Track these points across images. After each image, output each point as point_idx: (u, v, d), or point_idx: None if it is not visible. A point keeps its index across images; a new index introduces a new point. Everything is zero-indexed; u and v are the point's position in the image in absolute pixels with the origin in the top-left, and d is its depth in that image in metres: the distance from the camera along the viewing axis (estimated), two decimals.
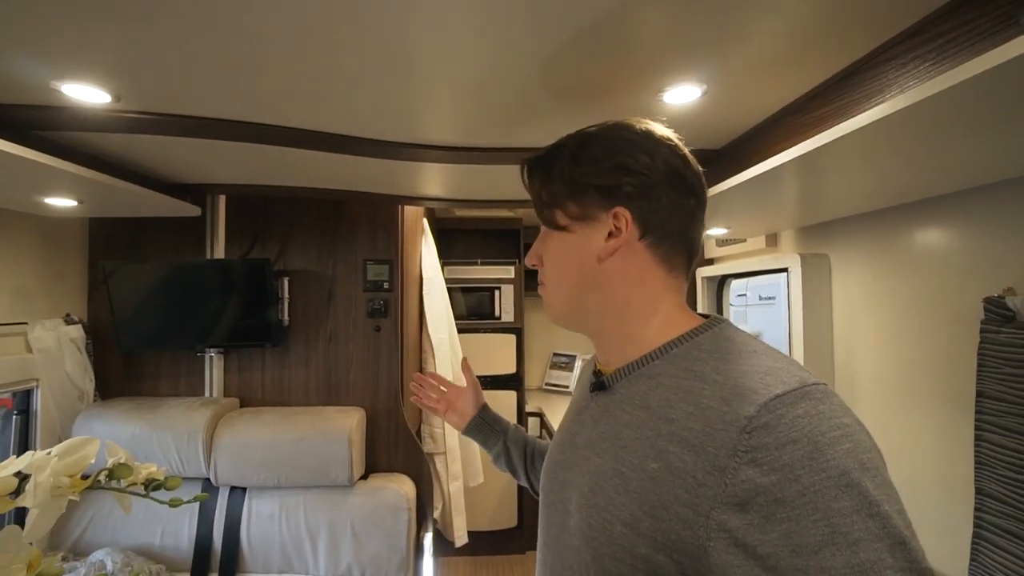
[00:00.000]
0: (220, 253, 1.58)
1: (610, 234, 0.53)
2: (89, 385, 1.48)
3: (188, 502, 0.57)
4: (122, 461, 0.53)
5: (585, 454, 0.54)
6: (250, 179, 1.46)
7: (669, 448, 0.45)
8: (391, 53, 0.75)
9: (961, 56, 0.54)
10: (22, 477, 0.49)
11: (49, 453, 0.49)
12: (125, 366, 1.60)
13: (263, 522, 1.42)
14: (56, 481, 0.47)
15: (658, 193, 0.52)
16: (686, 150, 0.55)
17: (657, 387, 0.49)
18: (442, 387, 0.95)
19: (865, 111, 0.59)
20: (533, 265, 0.61)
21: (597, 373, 0.59)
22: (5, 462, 0.49)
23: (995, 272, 0.89)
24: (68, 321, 1.45)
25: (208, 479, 1.44)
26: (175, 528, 1.43)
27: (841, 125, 0.62)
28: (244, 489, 1.46)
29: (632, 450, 0.48)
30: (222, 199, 1.57)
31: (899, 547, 0.36)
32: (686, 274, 0.56)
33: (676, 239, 0.54)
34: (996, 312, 0.84)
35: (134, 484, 0.55)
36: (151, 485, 0.55)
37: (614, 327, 0.56)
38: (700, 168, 0.55)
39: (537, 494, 0.84)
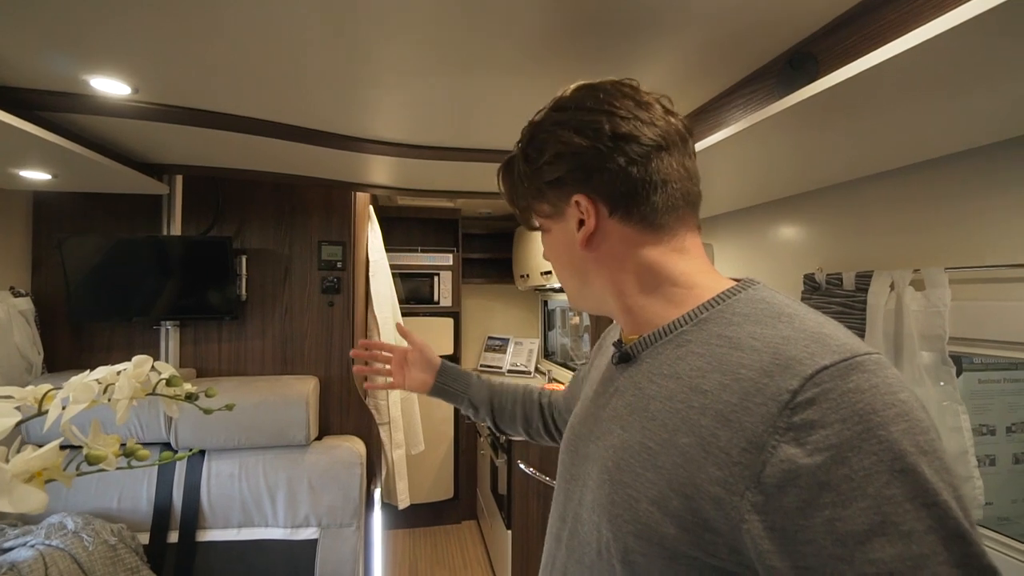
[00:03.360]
0: (176, 231, 1.65)
1: (580, 222, 0.52)
2: (37, 357, 1.50)
3: (219, 408, 0.75)
4: (175, 374, 0.70)
5: (610, 427, 0.51)
6: (208, 161, 1.55)
7: (701, 422, 0.41)
8: (350, 61, 0.88)
9: (755, 108, 0.85)
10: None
11: (118, 373, 0.65)
12: (74, 339, 1.62)
13: (223, 481, 1.53)
14: (132, 383, 0.63)
15: (603, 165, 0.49)
16: (621, 100, 0.50)
17: (688, 355, 0.46)
18: (385, 353, 0.94)
19: (710, 136, 0.88)
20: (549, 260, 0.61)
21: (619, 344, 0.56)
22: (82, 374, 0.64)
23: (812, 255, 1.25)
24: (15, 294, 1.46)
25: (168, 443, 1.52)
26: (133, 492, 1.50)
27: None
28: (203, 451, 1.56)
29: (661, 423, 0.45)
30: (179, 179, 1.64)
31: (956, 540, 0.33)
32: (687, 228, 0.52)
33: (649, 199, 0.49)
34: (809, 284, 1.19)
35: (179, 396, 0.71)
36: (192, 398, 0.72)
37: (619, 306, 0.54)
38: (651, 104, 0.50)
39: (503, 433, 0.93)
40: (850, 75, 0.58)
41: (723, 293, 0.48)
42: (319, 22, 0.76)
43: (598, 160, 0.49)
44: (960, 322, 0.88)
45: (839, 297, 1.12)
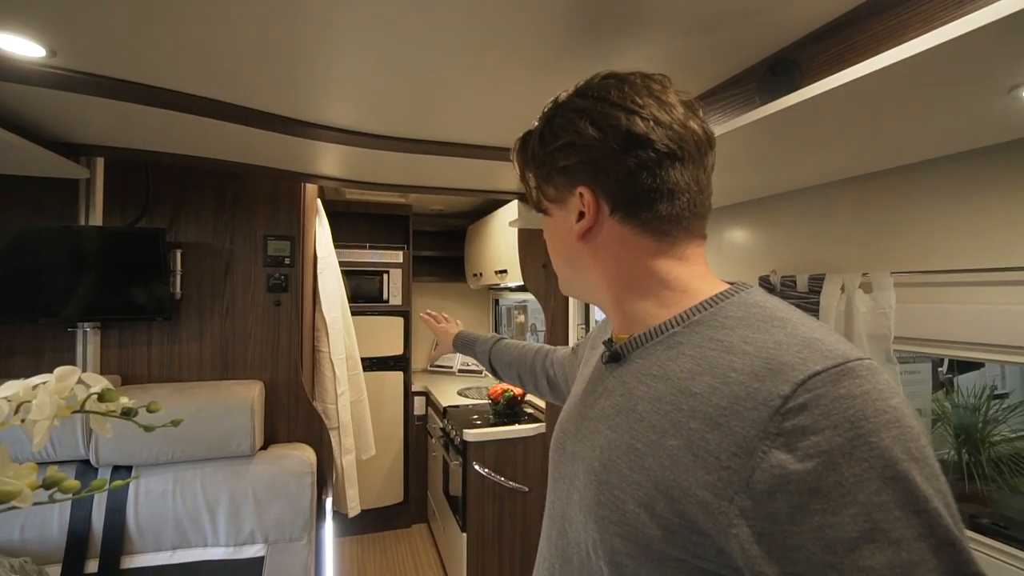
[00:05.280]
0: (97, 221, 1.46)
1: (580, 215, 0.51)
2: None
3: (163, 425, 0.65)
4: (108, 387, 0.59)
5: (597, 427, 0.51)
6: (137, 143, 1.38)
7: (690, 424, 0.41)
8: (304, 33, 0.80)
9: (735, 113, 0.86)
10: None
11: (34, 388, 0.55)
12: None
13: (154, 500, 1.38)
14: (54, 401, 0.53)
15: (612, 164, 0.48)
16: (644, 99, 0.48)
17: (679, 357, 0.45)
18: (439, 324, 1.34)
19: None
20: None
21: (608, 343, 0.55)
22: None
23: (767, 258, 1.30)
24: None
25: (87, 460, 1.35)
26: (40, 519, 1.31)
27: None
28: (130, 468, 1.40)
29: (649, 425, 0.45)
30: (100, 162, 1.45)
31: (946, 547, 0.33)
32: (690, 236, 0.51)
33: (653, 206, 0.48)
34: (764, 286, 1.24)
35: (113, 412, 0.61)
36: (130, 414, 0.62)
37: (610, 302, 0.54)
38: (674, 106, 0.48)
39: (495, 374, 1.15)
40: (836, 85, 0.59)
41: (716, 296, 0.48)
42: None
43: (608, 158, 0.48)
44: (902, 322, 0.95)
45: (793, 299, 1.17)
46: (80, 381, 0.60)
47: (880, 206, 0.99)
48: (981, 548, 0.85)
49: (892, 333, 0.95)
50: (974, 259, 0.83)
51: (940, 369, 1.28)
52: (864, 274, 0.99)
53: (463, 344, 1.23)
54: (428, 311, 1.38)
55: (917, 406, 1.15)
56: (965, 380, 1.28)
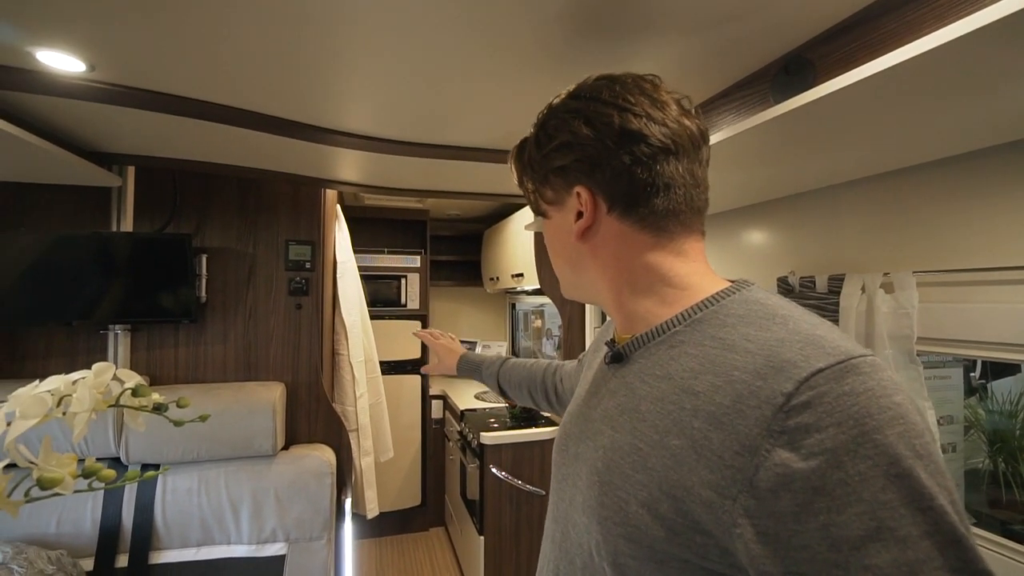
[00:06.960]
0: (127, 227, 1.52)
1: (579, 214, 0.51)
2: None
3: (192, 420, 0.68)
4: (142, 383, 0.63)
5: (600, 427, 0.51)
6: (165, 152, 1.44)
7: (693, 424, 0.41)
8: (321, 43, 0.83)
9: (749, 112, 0.86)
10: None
11: (74, 382, 0.58)
12: (5, 346, 1.46)
13: (180, 497, 1.42)
14: (92, 394, 0.56)
15: (607, 161, 0.48)
16: (636, 96, 0.49)
17: (681, 356, 0.45)
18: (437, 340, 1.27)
19: None
20: None
21: (611, 343, 0.55)
22: (29, 385, 0.56)
23: (785, 259, 1.29)
24: None
25: (117, 458, 1.40)
26: (75, 513, 1.36)
27: None
28: (157, 466, 1.44)
29: (652, 424, 0.44)
30: (131, 170, 1.51)
31: (952, 545, 0.33)
32: (688, 232, 0.51)
33: (649, 201, 0.48)
34: (782, 287, 1.23)
35: (146, 407, 0.64)
36: (161, 409, 0.65)
37: (611, 301, 0.54)
38: (667, 104, 0.49)
39: (505, 396, 1.12)
40: (849, 83, 0.59)
41: (717, 294, 0.48)
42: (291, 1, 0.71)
43: (603, 155, 0.49)
44: (926, 323, 0.93)
45: (812, 300, 1.15)
46: (115, 377, 0.63)
47: (900, 205, 0.98)
48: (1017, 556, 0.82)
49: (915, 334, 0.93)
50: (999, 257, 0.82)
51: (972, 374, 1.24)
52: (885, 274, 0.97)
53: (468, 368, 1.17)
54: (419, 330, 1.34)
55: (948, 412, 1.13)
56: (1000, 386, 1.24)
